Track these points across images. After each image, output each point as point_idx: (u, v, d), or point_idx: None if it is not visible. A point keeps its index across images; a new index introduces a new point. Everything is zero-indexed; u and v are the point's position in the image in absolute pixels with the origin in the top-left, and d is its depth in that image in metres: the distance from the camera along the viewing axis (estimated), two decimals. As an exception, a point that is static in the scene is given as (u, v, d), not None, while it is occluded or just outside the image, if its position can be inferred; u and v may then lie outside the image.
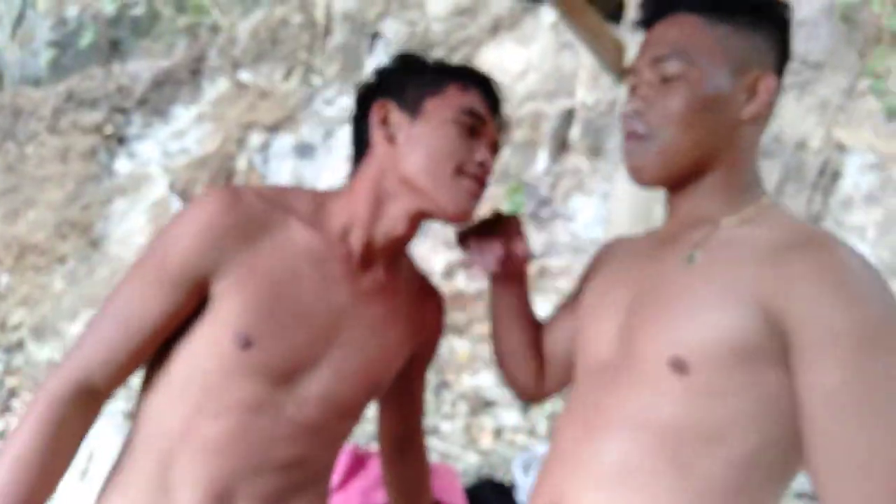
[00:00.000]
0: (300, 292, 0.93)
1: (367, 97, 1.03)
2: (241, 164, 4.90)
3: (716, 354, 0.73)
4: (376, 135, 1.00)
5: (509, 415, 3.94)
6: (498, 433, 3.90)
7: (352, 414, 1.01)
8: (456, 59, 5.44)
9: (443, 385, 4.14)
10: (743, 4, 0.84)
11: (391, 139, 0.98)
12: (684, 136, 0.82)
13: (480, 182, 0.97)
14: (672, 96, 0.82)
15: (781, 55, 0.86)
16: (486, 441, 3.82)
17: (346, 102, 5.20)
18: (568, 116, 5.32)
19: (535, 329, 1.09)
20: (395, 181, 0.97)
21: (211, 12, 5.69)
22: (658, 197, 1.87)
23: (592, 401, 0.83)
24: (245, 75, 5.24)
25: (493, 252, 1.00)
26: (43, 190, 4.86)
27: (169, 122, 5.15)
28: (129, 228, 4.75)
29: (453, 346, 4.35)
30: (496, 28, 5.54)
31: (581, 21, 1.78)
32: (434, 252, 4.89)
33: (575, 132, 5.28)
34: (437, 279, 4.85)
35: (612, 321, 0.86)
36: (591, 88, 5.26)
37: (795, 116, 5.75)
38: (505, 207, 5.12)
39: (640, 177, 0.86)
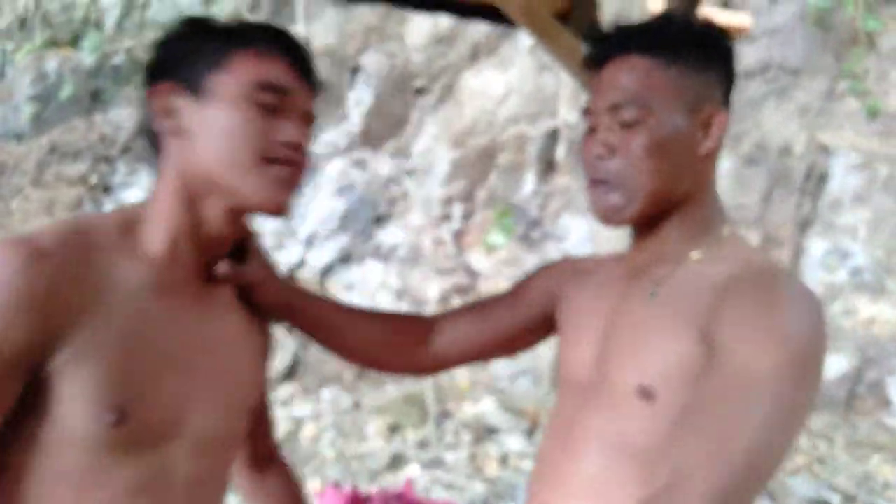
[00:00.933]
0: (155, 337, 0.79)
1: (149, 80, 0.85)
2: (228, 205, 4.89)
3: (675, 382, 0.80)
4: (162, 127, 0.83)
5: (514, 440, 3.89)
6: (503, 460, 3.84)
7: (239, 442, 0.92)
8: (438, 86, 5.46)
9: (444, 415, 4.09)
10: (690, 45, 0.86)
11: (179, 131, 0.82)
12: (650, 179, 0.85)
13: (294, 164, 0.83)
14: (633, 142, 0.84)
15: (728, 86, 0.89)
16: (492, 469, 3.76)
17: (331, 137, 5.20)
18: (552, 137, 5.34)
19: (365, 315, 1.06)
20: (197, 179, 0.82)
21: (190, 57, 5.71)
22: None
23: (572, 420, 0.89)
24: (228, 117, 5.24)
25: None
26: (30, 244, 4.82)
27: (154, 169, 5.14)
28: (119, 277, 4.71)
29: (453, 375, 4.30)
30: (475, 54, 5.59)
31: (556, 43, 1.78)
32: (427, 280, 4.86)
33: (560, 152, 5.29)
34: (432, 307, 4.81)
35: (588, 347, 0.91)
36: (574, 107, 5.28)
37: (777, 122, 5.79)
38: (495, 232, 5.11)
39: (609, 221, 0.88)
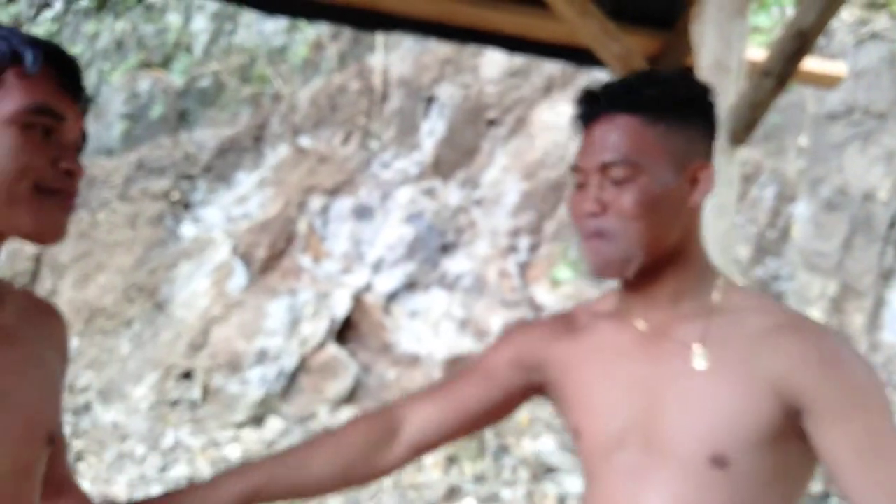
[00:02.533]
0: None
1: None
2: (301, 227, 5.01)
3: (750, 445, 0.83)
4: None
5: (573, 481, 3.81)
6: (562, 501, 3.76)
7: (35, 473, 0.86)
8: (510, 118, 5.50)
9: (502, 450, 4.04)
10: (675, 102, 0.89)
11: None
12: (643, 233, 0.87)
13: (70, 195, 0.80)
14: (625, 199, 0.87)
15: (711, 139, 0.93)
16: (550, 510, 3.69)
17: (403, 165, 5.29)
18: (624, 173, 5.30)
19: (306, 454, 1.01)
20: None
21: (273, 82, 5.92)
22: (733, 244, 1.81)
23: (632, 498, 0.88)
24: (305, 141, 5.40)
25: None
26: (113, 255, 5.05)
27: (232, 188, 5.32)
28: (193, 291, 4.87)
29: (513, 410, 4.26)
30: (549, 88, 5.60)
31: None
32: (491, 312, 4.85)
33: (631, 189, 5.24)
34: (494, 338, 4.77)
35: (626, 422, 0.90)
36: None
37: (861, 167, 5.58)
38: (561, 266, 5.07)
39: (607, 274, 0.91)
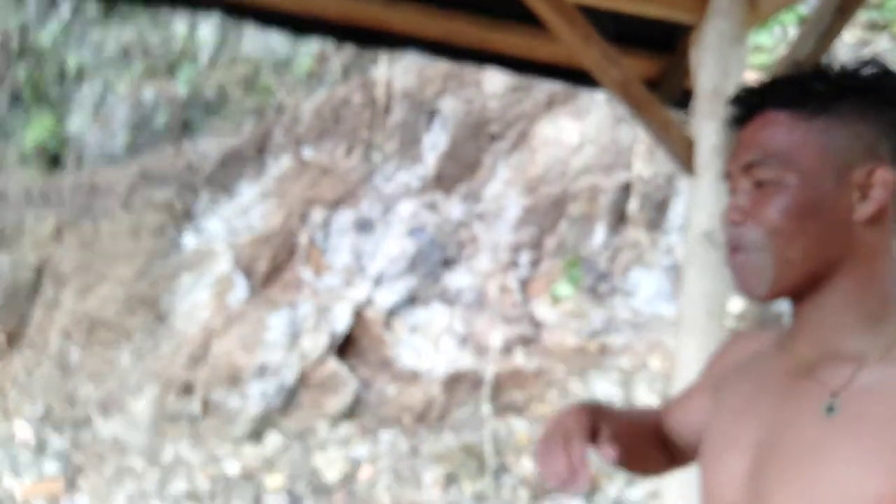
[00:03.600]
0: None
1: None
2: (302, 239, 5.01)
3: None
4: None
5: (573, 503, 3.78)
6: (560, 521, 3.73)
7: None
8: (512, 133, 5.50)
9: (502, 469, 4.02)
10: (840, 93, 0.75)
11: None
12: (789, 248, 0.74)
13: None
14: (769, 205, 0.74)
15: None
16: (548, 529, 3.66)
17: (405, 178, 5.29)
18: (625, 189, 5.28)
19: (650, 431, 0.99)
20: None
21: (277, 93, 5.93)
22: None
23: None
24: (308, 152, 5.41)
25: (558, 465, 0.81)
26: (114, 266, 5.05)
27: (234, 199, 5.33)
28: (194, 303, 4.87)
29: (512, 428, 4.24)
30: (551, 103, 5.61)
31: (649, 113, 1.78)
32: (491, 327, 4.83)
33: (633, 205, 5.23)
34: (494, 355, 4.76)
35: (737, 462, 0.78)
36: (649, 161, 5.22)
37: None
38: (562, 282, 5.06)
39: (751, 295, 0.78)
